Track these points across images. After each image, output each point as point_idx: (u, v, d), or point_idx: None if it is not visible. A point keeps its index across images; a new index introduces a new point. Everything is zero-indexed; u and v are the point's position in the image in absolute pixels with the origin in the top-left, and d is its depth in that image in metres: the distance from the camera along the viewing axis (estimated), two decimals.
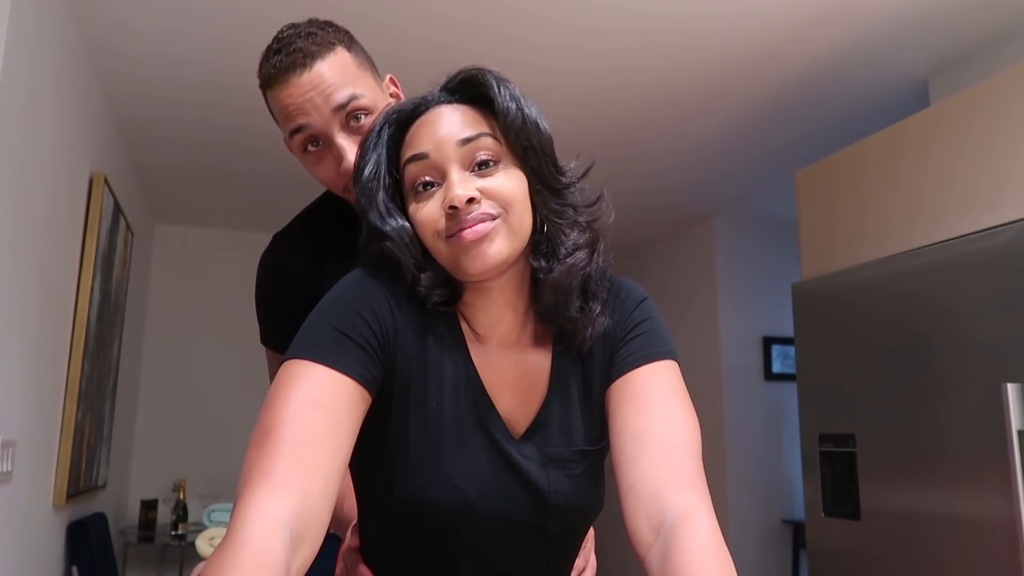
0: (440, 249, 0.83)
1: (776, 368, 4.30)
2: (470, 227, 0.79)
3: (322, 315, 0.82)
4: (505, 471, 0.86)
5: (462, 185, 0.80)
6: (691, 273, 4.58)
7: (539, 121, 0.86)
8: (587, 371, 0.90)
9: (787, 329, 3.83)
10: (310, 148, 1.07)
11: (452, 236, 0.81)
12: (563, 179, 0.87)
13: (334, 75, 1.04)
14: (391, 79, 1.19)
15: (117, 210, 3.09)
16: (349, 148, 1.04)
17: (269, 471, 0.69)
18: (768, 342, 4.31)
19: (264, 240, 1.25)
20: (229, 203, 4.17)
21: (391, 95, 1.16)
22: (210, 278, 4.55)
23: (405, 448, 0.84)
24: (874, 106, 2.97)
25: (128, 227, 3.40)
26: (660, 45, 2.54)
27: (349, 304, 0.82)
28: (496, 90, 0.84)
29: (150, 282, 4.47)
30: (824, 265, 2.69)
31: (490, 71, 0.86)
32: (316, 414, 0.73)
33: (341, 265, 0.99)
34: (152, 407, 4.37)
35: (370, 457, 0.86)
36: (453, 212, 0.80)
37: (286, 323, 1.13)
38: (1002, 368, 1.98)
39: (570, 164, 0.89)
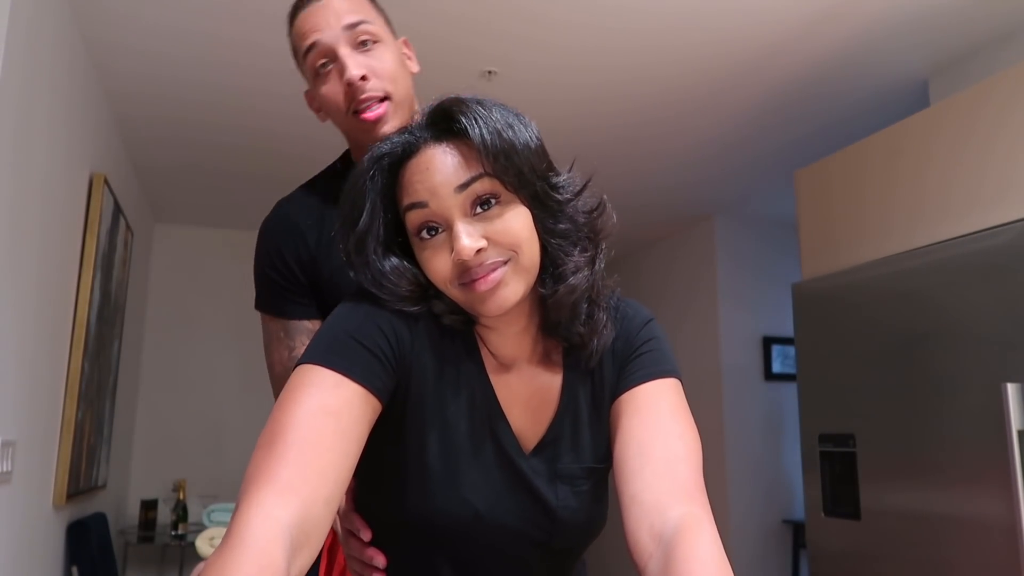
0: (454, 294, 0.82)
1: (776, 368, 4.30)
2: (482, 278, 0.79)
3: (340, 322, 0.82)
4: (515, 485, 0.86)
5: (468, 235, 0.78)
6: (691, 273, 4.58)
7: (528, 139, 0.82)
8: (596, 389, 0.91)
9: (787, 329, 3.83)
10: (320, 70, 1.15)
11: (465, 284, 0.80)
12: (561, 195, 0.84)
13: (351, 5, 1.16)
14: (404, 41, 1.25)
15: (117, 210, 3.09)
16: (351, 62, 1.12)
17: (275, 475, 0.69)
18: (768, 342, 4.31)
19: None
20: (229, 203, 4.17)
21: (406, 56, 1.23)
22: (210, 278, 4.55)
23: (421, 459, 0.84)
24: (874, 106, 2.97)
25: (128, 227, 3.40)
26: (660, 45, 2.54)
27: (367, 313, 0.83)
28: (472, 123, 0.79)
29: (150, 282, 4.47)
30: (824, 265, 2.69)
31: (465, 100, 0.82)
32: (326, 422, 0.73)
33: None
34: (152, 407, 4.36)
35: (379, 465, 0.86)
36: (463, 262, 0.79)
37: (279, 286, 1.17)
38: (1002, 368, 1.98)
39: (566, 173, 0.86)
